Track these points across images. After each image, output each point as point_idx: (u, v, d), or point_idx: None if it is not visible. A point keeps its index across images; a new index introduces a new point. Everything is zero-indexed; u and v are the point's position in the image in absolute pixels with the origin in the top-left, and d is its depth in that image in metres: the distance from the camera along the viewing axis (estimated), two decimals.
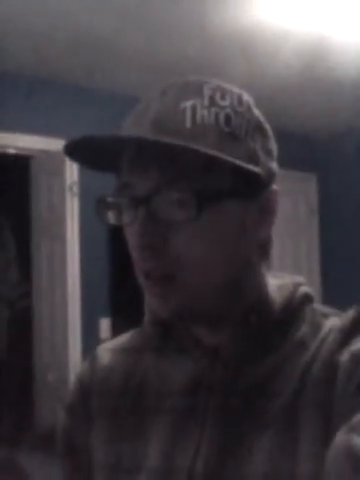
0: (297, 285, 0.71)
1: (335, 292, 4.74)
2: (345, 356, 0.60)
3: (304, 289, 0.71)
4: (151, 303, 0.65)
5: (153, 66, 3.33)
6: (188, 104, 0.61)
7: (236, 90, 0.65)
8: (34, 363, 3.87)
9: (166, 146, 0.57)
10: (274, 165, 0.67)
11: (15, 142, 3.44)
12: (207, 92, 0.62)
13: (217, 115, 0.61)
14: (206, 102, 0.62)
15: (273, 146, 0.68)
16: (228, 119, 0.62)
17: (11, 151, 3.61)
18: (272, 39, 3.01)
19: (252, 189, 0.63)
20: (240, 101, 0.64)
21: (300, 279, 0.72)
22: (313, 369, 0.63)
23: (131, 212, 0.61)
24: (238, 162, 0.59)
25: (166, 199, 0.59)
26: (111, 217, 0.65)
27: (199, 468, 0.63)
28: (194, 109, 0.61)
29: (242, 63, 3.29)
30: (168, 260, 0.61)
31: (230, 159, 0.59)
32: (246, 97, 0.66)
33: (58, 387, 3.56)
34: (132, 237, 0.62)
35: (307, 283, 0.72)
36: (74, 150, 0.63)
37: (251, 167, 0.61)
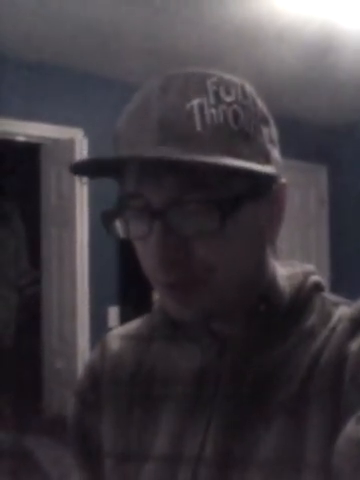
0: (307, 274, 0.70)
1: (344, 282, 4.75)
2: (354, 346, 0.60)
3: (314, 278, 0.70)
4: (170, 307, 0.63)
5: (161, 53, 3.31)
6: (194, 103, 0.58)
7: (238, 81, 0.63)
8: (42, 350, 3.89)
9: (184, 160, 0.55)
10: (278, 153, 0.66)
11: (24, 130, 3.44)
12: (211, 88, 0.60)
13: (225, 113, 0.59)
14: (212, 100, 0.59)
15: (275, 133, 0.66)
16: (236, 116, 0.59)
17: (21, 139, 3.61)
18: (281, 27, 2.98)
19: (267, 187, 0.62)
20: (244, 93, 0.62)
21: (310, 268, 0.72)
22: (322, 358, 0.62)
23: (144, 224, 0.58)
24: (255, 167, 0.58)
25: (185, 211, 0.57)
26: (119, 230, 0.62)
27: (207, 456, 0.63)
28: (201, 109, 0.58)
29: (250, 51, 3.26)
30: (191, 271, 0.59)
31: (248, 166, 0.57)
32: (248, 87, 0.63)
33: (66, 374, 3.58)
34: (147, 249, 0.59)
35: (317, 272, 0.72)
36: (81, 167, 0.61)
37: (267, 169, 0.60)
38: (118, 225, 0.62)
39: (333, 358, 0.61)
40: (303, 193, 4.82)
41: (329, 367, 0.61)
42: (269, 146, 0.63)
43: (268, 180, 0.61)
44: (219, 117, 0.58)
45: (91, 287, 3.59)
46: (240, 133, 0.59)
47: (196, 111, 0.58)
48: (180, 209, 0.57)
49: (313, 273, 0.71)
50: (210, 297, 0.61)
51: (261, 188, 0.61)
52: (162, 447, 0.66)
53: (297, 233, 4.71)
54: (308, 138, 4.60)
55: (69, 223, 3.60)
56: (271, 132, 0.64)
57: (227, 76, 0.62)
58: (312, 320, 0.66)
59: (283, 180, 0.65)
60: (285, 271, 0.70)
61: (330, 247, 5.05)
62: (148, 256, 0.60)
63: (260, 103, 0.64)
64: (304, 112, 4.26)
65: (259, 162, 0.60)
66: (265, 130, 0.63)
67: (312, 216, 5.00)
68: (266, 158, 0.61)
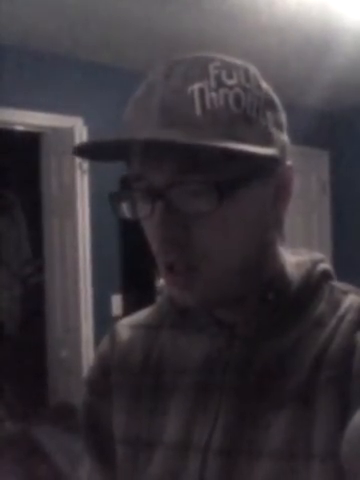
0: (316, 262, 0.70)
1: (347, 269, 4.74)
2: None
3: (323, 266, 0.70)
4: (174, 293, 0.64)
5: (162, 41, 3.28)
6: (195, 87, 0.58)
7: (241, 64, 0.63)
8: (47, 339, 3.91)
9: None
10: (285, 137, 0.65)
11: (24, 119, 3.42)
12: (213, 72, 0.60)
13: (226, 97, 0.59)
14: (213, 83, 0.59)
15: (283, 118, 0.66)
16: (238, 99, 0.59)
17: (20, 128, 3.60)
18: (284, 12, 2.95)
19: (269, 170, 0.62)
20: (247, 77, 0.61)
21: (319, 256, 0.72)
22: (330, 347, 0.62)
23: (148, 205, 0.59)
24: (253, 149, 0.57)
25: (184, 191, 0.58)
26: (125, 211, 0.63)
27: (215, 444, 0.64)
28: (202, 93, 0.58)
29: (251, 38, 3.24)
30: (191, 252, 0.59)
31: (245, 148, 0.57)
32: (253, 70, 0.63)
33: (70, 362, 3.60)
34: (151, 230, 0.61)
35: (326, 260, 0.72)
36: (83, 149, 0.62)
37: (267, 151, 0.60)
38: (124, 206, 0.63)
39: (341, 348, 0.61)
40: (305, 179, 4.80)
41: (337, 356, 0.61)
42: (273, 130, 0.62)
43: (269, 163, 0.61)
44: (219, 100, 0.58)
45: (94, 276, 3.59)
46: (241, 116, 0.59)
47: (196, 95, 0.58)
48: (180, 190, 0.58)
49: (322, 261, 0.71)
50: (210, 281, 0.61)
51: (261, 170, 0.61)
52: (172, 435, 0.67)
53: (299, 219, 4.70)
54: (309, 123, 4.57)
55: (70, 212, 3.59)
56: (277, 116, 0.64)
57: (231, 60, 0.62)
58: (321, 308, 0.66)
59: (289, 163, 0.64)
60: (294, 259, 0.69)
61: (332, 233, 5.04)
62: (151, 236, 0.62)
63: (265, 86, 0.64)
64: (305, 97, 4.22)
65: (261, 145, 0.59)
66: (269, 113, 0.62)
67: (314, 202, 4.98)
68: (268, 141, 0.61)
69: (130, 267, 3.72)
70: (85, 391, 0.80)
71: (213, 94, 0.58)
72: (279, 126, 0.64)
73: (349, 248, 4.88)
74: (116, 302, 3.72)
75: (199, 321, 0.70)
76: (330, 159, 5.00)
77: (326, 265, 0.71)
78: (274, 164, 0.62)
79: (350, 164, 4.90)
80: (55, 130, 3.58)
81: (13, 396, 3.94)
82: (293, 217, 4.56)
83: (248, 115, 0.59)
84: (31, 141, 3.86)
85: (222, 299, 0.65)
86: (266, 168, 0.61)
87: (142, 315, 0.79)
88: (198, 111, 0.57)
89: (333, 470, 0.56)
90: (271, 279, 0.66)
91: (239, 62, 0.63)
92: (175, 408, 0.68)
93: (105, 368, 0.77)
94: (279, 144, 0.63)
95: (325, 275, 0.70)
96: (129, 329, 0.78)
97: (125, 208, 0.63)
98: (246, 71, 0.62)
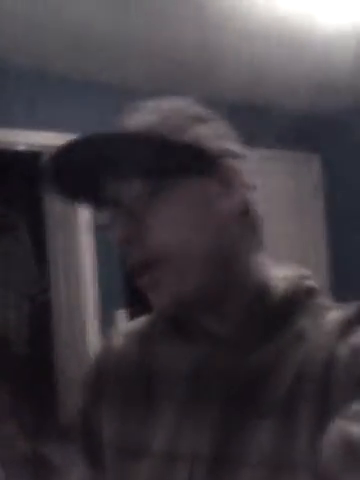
0: (302, 278, 0.72)
1: (341, 273, 4.70)
2: (344, 349, 0.61)
3: (309, 283, 0.72)
4: (149, 298, 0.67)
5: (160, 59, 3.31)
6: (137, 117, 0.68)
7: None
8: (55, 356, 3.91)
9: (110, 142, 0.62)
10: (233, 145, 0.70)
11: (25, 139, 3.46)
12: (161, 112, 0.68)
13: (158, 116, 0.67)
14: (155, 117, 0.67)
15: (226, 129, 0.71)
16: (169, 119, 0.67)
17: (21, 148, 3.63)
18: (271, 20, 2.98)
19: (204, 165, 0.66)
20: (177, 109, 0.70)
21: (306, 272, 0.73)
22: (312, 360, 0.63)
23: (110, 210, 0.67)
24: (177, 138, 0.64)
25: (127, 190, 0.64)
26: (101, 218, 0.70)
27: (202, 454, 0.64)
28: (142, 117, 0.67)
29: (241, 46, 3.24)
30: (146, 248, 0.64)
31: (171, 137, 0.64)
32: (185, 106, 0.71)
33: (79, 379, 3.59)
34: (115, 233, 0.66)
35: (313, 277, 0.73)
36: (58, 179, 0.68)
37: (197, 143, 0.66)
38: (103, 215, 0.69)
39: (323, 361, 0.62)
40: (297, 183, 4.76)
41: (318, 368, 0.62)
42: (211, 135, 0.68)
43: (205, 157, 0.66)
44: (152, 119, 0.67)
45: (99, 292, 3.61)
46: (171, 128, 0.66)
47: (136, 119, 0.67)
48: (124, 189, 0.64)
49: (308, 277, 0.72)
50: (170, 278, 0.64)
51: (197, 164, 0.66)
52: (160, 444, 0.68)
53: (292, 222, 4.66)
54: (300, 127, 4.57)
55: (74, 229, 3.61)
56: (218, 129, 0.70)
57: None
58: (303, 323, 0.67)
59: (234, 163, 0.68)
60: (281, 273, 0.71)
61: (326, 236, 4.98)
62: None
63: (197, 109, 0.71)
64: (296, 101, 4.22)
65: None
66: (204, 127, 0.69)
67: (307, 205, 4.91)
68: (202, 143, 0.67)
69: (134, 282, 3.72)
70: (80, 397, 0.82)
71: (152, 116, 0.67)
72: (219, 135, 0.69)
73: (343, 251, 4.83)
74: (121, 317, 3.72)
75: (187, 331, 0.71)
76: (322, 163, 4.96)
77: (312, 282, 0.72)
78: (209, 160, 0.66)
79: (342, 167, 4.84)
80: (55, 148, 3.60)
81: (23, 414, 3.94)
82: (286, 221, 4.52)
83: (178, 127, 0.67)
84: (32, 160, 3.89)
85: (194, 300, 0.66)
86: (201, 162, 0.66)
87: (138, 323, 0.81)
88: (131, 126, 0.66)
89: None
90: (256, 291, 0.68)
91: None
92: (163, 417, 0.69)
93: (99, 374, 0.79)
94: (217, 144, 0.68)
95: (311, 291, 0.71)
96: (124, 337, 0.80)
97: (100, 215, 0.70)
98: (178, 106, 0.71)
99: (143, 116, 0.67)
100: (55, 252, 3.83)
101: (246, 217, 0.68)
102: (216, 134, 0.69)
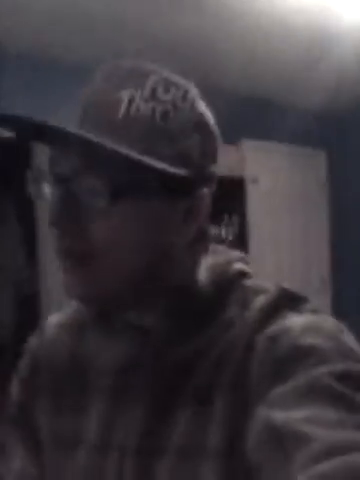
0: (230, 262, 0.71)
1: (345, 268, 4.73)
2: (261, 338, 0.62)
3: (237, 266, 0.71)
4: (65, 280, 0.66)
5: (160, 48, 3.26)
6: (127, 93, 0.61)
7: (183, 84, 0.65)
8: None
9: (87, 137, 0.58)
10: (212, 167, 0.66)
11: None
12: (150, 83, 0.62)
13: (154, 109, 0.60)
14: (146, 94, 0.61)
15: (214, 147, 0.67)
16: (165, 115, 0.61)
17: (10, 135, 3.56)
18: (282, 13, 2.93)
19: (176, 189, 0.63)
20: (184, 96, 0.63)
21: (235, 255, 0.73)
22: (233, 349, 0.64)
23: (52, 189, 0.64)
24: (154, 164, 0.59)
25: (84, 183, 0.61)
26: (33, 190, 0.67)
27: (131, 444, 0.66)
28: (131, 100, 0.60)
29: (247, 38, 3.22)
30: (84, 241, 0.62)
31: (145, 160, 0.58)
32: (192, 93, 0.65)
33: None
34: (50, 213, 0.63)
35: (244, 257, 0.74)
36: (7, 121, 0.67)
37: (174, 170, 0.61)
38: (35, 187, 0.67)
39: (242, 350, 0.64)
40: (302, 178, 4.80)
41: (237, 359, 0.64)
42: (196, 154, 0.63)
43: (178, 181, 0.62)
44: (146, 111, 0.60)
45: None
46: (163, 130, 0.60)
47: (125, 101, 0.60)
48: (81, 181, 0.61)
49: (237, 260, 0.71)
50: (101, 275, 0.63)
51: (167, 187, 0.62)
52: (93, 435, 0.69)
53: (297, 218, 4.71)
54: (306, 123, 4.56)
55: None
56: (206, 143, 0.65)
57: (174, 77, 0.64)
58: (231, 310, 0.67)
59: (205, 191, 0.65)
60: (210, 260, 0.70)
61: (330, 232, 5.03)
62: (49, 219, 0.65)
63: (201, 110, 0.65)
64: (302, 97, 4.21)
65: (174, 164, 0.60)
66: (197, 138, 0.63)
67: (312, 201, 4.98)
68: (184, 163, 0.62)
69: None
70: (15, 387, 0.82)
71: (141, 103, 0.60)
72: (204, 153, 0.64)
73: (347, 247, 4.88)
74: None
75: (116, 323, 0.71)
76: (328, 159, 5.00)
77: (240, 264, 0.71)
78: (183, 185, 0.63)
79: (348, 164, 4.90)
80: None
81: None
82: (291, 217, 4.57)
83: (170, 132, 0.61)
84: (23, 148, 3.83)
85: (117, 298, 0.66)
86: (172, 186, 0.62)
87: (69, 313, 0.82)
88: (120, 115, 0.60)
89: (228, 468, 0.59)
90: (180, 283, 0.67)
91: (182, 82, 0.65)
92: (95, 409, 0.70)
93: (33, 366, 0.80)
94: (196, 168, 0.63)
95: (239, 275, 0.70)
96: (56, 328, 0.81)
97: (35, 188, 0.67)
98: (185, 91, 0.64)
99: (140, 102, 0.61)
100: (45, 241, 3.81)
101: (198, 242, 0.68)
102: (203, 150, 0.65)
